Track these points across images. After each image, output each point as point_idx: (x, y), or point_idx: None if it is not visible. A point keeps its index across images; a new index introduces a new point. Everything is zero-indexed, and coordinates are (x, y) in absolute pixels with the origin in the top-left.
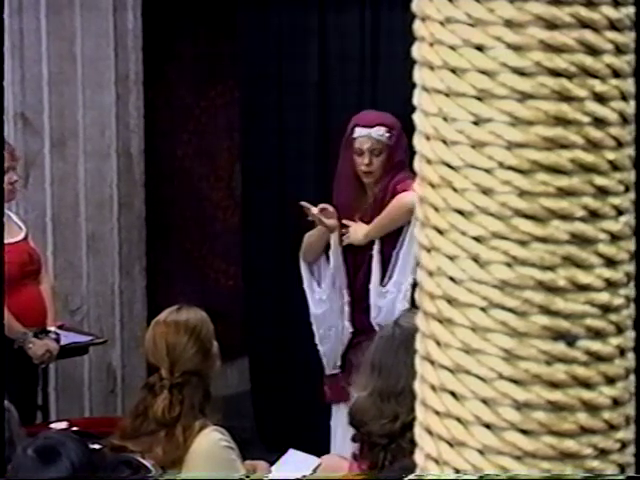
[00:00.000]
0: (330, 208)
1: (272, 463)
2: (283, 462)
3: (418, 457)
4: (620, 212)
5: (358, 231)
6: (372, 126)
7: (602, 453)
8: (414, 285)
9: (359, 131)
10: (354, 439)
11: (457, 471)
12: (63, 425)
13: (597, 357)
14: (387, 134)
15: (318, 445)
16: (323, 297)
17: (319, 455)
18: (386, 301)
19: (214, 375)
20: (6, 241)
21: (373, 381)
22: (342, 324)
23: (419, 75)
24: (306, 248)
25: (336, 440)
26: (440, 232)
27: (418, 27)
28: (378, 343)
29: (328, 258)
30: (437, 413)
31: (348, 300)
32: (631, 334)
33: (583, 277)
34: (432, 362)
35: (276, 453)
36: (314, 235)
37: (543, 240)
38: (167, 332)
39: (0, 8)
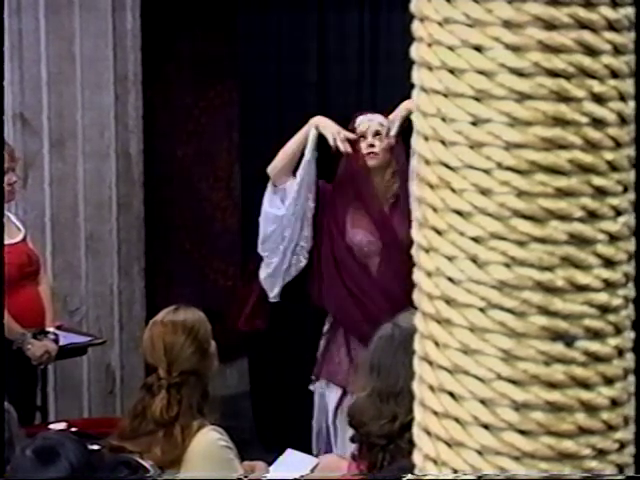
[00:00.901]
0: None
1: (270, 463)
2: (281, 462)
3: (416, 457)
4: (619, 212)
5: None
6: (373, 114)
7: (600, 453)
8: None
9: (361, 118)
10: (353, 439)
11: (455, 471)
12: (62, 426)
13: (595, 357)
14: (385, 123)
15: (317, 445)
16: (282, 213)
17: (317, 455)
18: None
19: (212, 375)
20: (5, 242)
21: (372, 381)
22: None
23: (417, 75)
24: (281, 165)
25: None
26: (438, 232)
27: (416, 27)
28: (377, 343)
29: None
30: (435, 413)
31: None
32: (630, 334)
33: (582, 277)
34: (430, 363)
35: (274, 453)
36: (291, 149)
37: (541, 240)
38: (165, 332)
39: (0, 8)
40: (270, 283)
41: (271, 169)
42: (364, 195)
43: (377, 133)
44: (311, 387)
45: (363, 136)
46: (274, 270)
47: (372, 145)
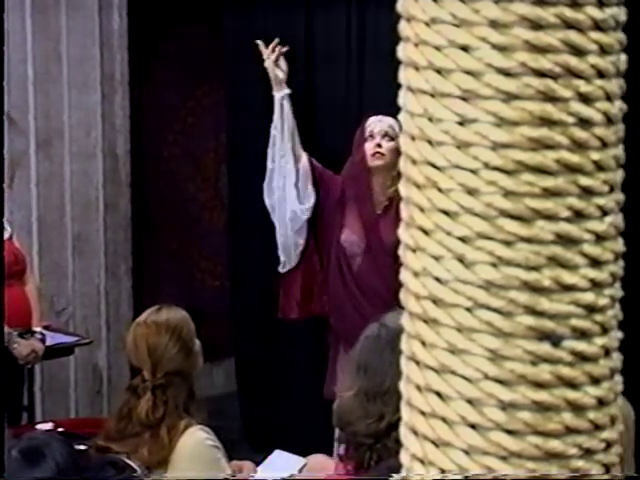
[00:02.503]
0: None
1: (258, 463)
2: (269, 462)
3: (404, 457)
4: (605, 212)
5: None
6: (385, 116)
7: (587, 453)
8: None
9: (372, 119)
10: (339, 439)
11: (443, 471)
12: (49, 426)
13: (582, 357)
14: (397, 126)
15: (304, 446)
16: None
17: (305, 456)
18: None
19: (197, 374)
20: None
21: (359, 381)
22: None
23: (404, 75)
24: None
25: None
26: (425, 232)
27: (403, 28)
28: (364, 343)
29: None
30: (423, 413)
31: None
32: (616, 334)
33: (568, 277)
34: (417, 362)
35: (262, 453)
36: None
37: (528, 240)
38: (148, 333)
39: (0, 8)
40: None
41: None
42: (360, 196)
43: (385, 134)
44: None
45: (371, 136)
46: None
47: (379, 145)
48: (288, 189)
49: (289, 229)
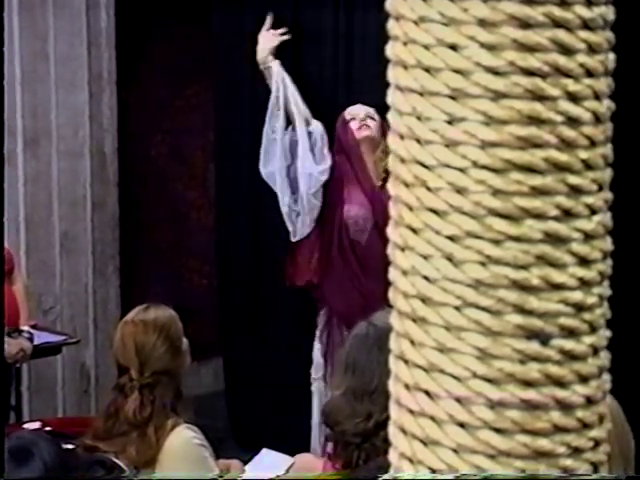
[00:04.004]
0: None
1: (246, 462)
2: (257, 461)
3: (392, 456)
4: (594, 211)
5: None
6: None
7: (575, 451)
8: None
9: (350, 108)
10: (327, 438)
11: (432, 470)
12: (36, 425)
13: (571, 356)
14: (377, 115)
15: (292, 445)
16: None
17: (293, 455)
18: None
19: (185, 372)
20: None
21: (347, 380)
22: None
23: (393, 74)
24: None
25: None
26: (414, 231)
27: (392, 26)
28: (352, 342)
29: None
30: (411, 412)
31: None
32: (605, 333)
33: (557, 276)
34: (406, 361)
35: (250, 452)
36: None
37: (517, 239)
38: (135, 332)
39: (0, 8)
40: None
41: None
42: (358, 169)
43: (367, 116)
44: (313, 388)
45: (353, 118)
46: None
47: (363, 120)
48: (302, 154)
49: (306, 192)
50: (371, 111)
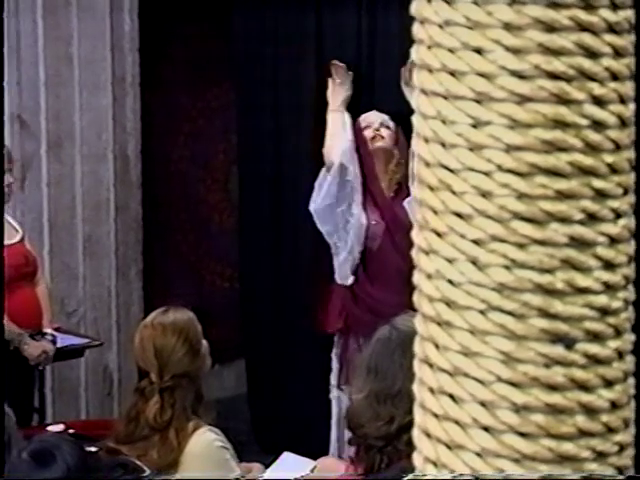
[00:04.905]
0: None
1: (268, 465)
2: (278, 465)
3: (416, 460)
4: (619, 215)
5: None
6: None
7: (600, 456)
8: None
9: (365, 115)
10: (350, 442)
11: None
12: (60, 427)
13: (595, 360)
14: (392, 122)
15: (314, 448)
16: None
17: (315, 458)
18: None
19: (207, 375)
20: None
21: (369, 383)
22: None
23: (418, 78)
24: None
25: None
26: (439, 235)
27: (417, 30)
28: (374, 345)
29: None
30: (435, 416)
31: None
32: (629, 337)
33: (581, 280)
34: (431, 365)
35: (272, 456)
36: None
37: (542, 243)
38: (155, 335)
39: (0, 8)
40: (343, 270)
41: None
42: (369, 177)
43: (381, 124)
44: (331, 395)
45: (368, 126)
46: (343, 254)
47: (378, 130)
48: (356, 206)
49: (358, 241)
50: (386, 119)
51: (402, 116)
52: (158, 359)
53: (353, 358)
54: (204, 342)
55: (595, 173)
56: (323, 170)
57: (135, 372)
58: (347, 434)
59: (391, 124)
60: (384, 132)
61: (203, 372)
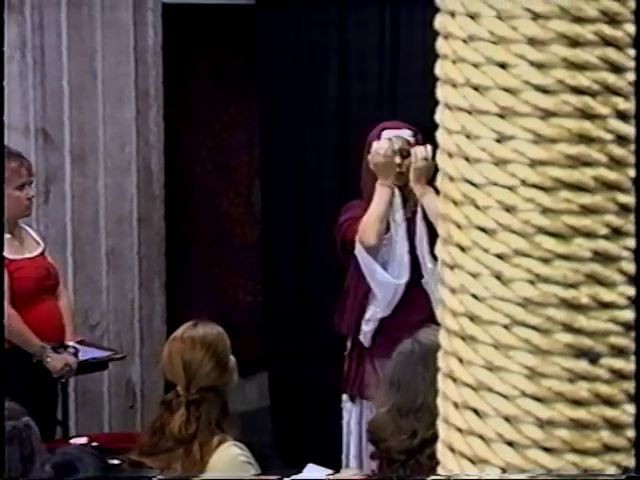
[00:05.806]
0: None
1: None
2: (302, 476)
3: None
4: None
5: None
6: (400, 128)
7: (625, 471)
8: None
9: (388, 133)
10: (372, 456)
11: None
12: (83, 440)
13: (620, 375)
14: (413, 137)
15: (337, 460)
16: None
17: (338, 470)
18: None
19: (231, 390)
20: (23, 256)
21: (392, 397)
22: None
23: (442, 92)
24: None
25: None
26: (463, 249)
27: (441, 45)
28: (397, 359)
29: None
30: (459, 430)
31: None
32: None
33: (606, 295)
34: (454, 379)
35: (295, 468)
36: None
37: (566, 258)
38: (183, 348)
39: (0, 7)
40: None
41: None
42: None
43: (403, 150)
44: (343, 406)
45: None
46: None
47: (399, 165)
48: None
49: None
50: (408, 138)
51: (426, 131)
52: (186, 372)
53: (366, 368)
54: (232, 357)
55: (619, 188)
56: (361, 248)
57: (158, 385)
58: (368, 447)
59: (411, 145)
60: (405, 164)
61: (230, 387)
